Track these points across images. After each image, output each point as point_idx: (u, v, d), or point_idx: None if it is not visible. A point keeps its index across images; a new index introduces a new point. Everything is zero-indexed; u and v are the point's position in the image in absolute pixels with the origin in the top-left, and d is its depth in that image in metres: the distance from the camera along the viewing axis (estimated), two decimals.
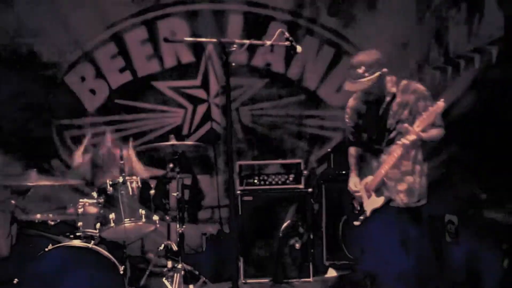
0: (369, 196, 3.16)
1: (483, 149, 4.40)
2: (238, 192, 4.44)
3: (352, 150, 3.36)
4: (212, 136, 5.27)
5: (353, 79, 3.07)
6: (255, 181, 4.50)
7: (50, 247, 3.41)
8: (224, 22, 5.23)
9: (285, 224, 4.37)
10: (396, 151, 3.00)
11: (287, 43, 3.00)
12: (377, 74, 3.01)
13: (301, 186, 4.46)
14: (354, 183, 3.24)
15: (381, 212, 3.07)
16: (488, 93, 4.57)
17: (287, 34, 2.99)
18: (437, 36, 5.10)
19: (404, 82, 3.14)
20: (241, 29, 5.24)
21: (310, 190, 4.44)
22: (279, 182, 4.49)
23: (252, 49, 5.16)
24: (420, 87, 3.12)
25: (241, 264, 4.35)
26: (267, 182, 4.49)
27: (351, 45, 5.29)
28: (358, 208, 3.22)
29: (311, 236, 4.40)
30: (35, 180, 3.63)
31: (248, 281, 4.34)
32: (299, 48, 3.03)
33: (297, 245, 4.35)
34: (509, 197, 4.11)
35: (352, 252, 3.33)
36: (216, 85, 5.31)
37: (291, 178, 4.49)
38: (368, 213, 3.14)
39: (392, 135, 3.10)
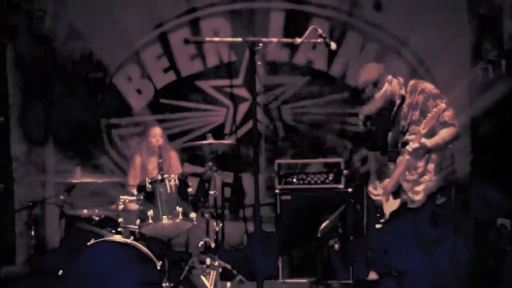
0: (387, 199, 3.14)
1: None
2: (277, 191, 4.42)
3: (371, 154, 3.37)
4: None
5: (367, 101, 3.09)
6: (294, 180, 4.46)
7: (92, 241, 3.55)
8: (265, 20, 5.23)
9: (324, 224, 4.30)
10: (406, 154, 3.00)
11: (320, 40, 2.93)
12: (385, 87, 3.03)
13: (341, 186, 4.38)
14: (374, 186, 3.26)
15: (399, 215, 3.07)
16: None
17: (320, 31, 2.92)
18: (490, 27, 4.80)
19: (412, 82, 3.12)
20: (282, 27, 5.21)
21: (350, 190, 4.34)
22: (318, 181, 4.42)
23: (293, 47, 5.12)
24: (427, 86, 3.09)
25: (279, 264, 4.33)
26: (306, 181, 4.44)
27: (396, 40, 5.11)
28: (380, 210, 3.20)
29: (351, 238, 4.30)
30: (79, 177, 3.80)
31: (287, 281, 4.31)
32: (333, 45, 2.98)
33: (336, 246, 4.27)
34: None
35: (375, 252, 3.33)
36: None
37: (330, 178, 4.41)
38: (387, 215, 3.13)
39: (406, 136, 3.08)
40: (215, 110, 5.40)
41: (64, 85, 5.37)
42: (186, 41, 2.60)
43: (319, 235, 4.28)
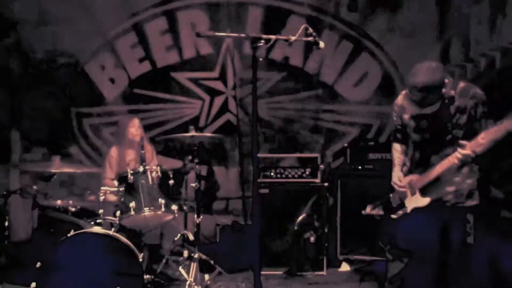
0: (413, 194, 3.11)
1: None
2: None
3: (398, 147, 3.27)
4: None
5: (417, 102, 2.91)
6: (272, 174, 4.53)
7: (72, 232, 3.47)
8: (244, 14, 5.26)
9: (300, 218, 4.41)
10: (453, 158, 2.90)
11: (310, 38, 2.98)
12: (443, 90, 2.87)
13: (318, 180, 4.49)
14: (399, 177, 3.17)
15: (424, 208, 3.03)
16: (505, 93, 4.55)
17: (310, 30, 2.97)
18: (458, 33, 5.07)
19: (462, 84, 2.97)
20: (260, 22, 5.26)
21: (326, 184, 4.47)
22: (296, 175, 4.52)
23: (267, 43, 5.16)
24: (479, 92, 2.94)
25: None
26: (283, 175, 4.53)
27: (370, 40, 5.29)
28: (398, 202, 3.18)
29: (326, 230, 4.44)
30: (58, 166, 3.69)
31: (263, 272, 4.37)
32: (322, 44, 2.99)
33: (312, 239, 4.39)
34: None
35: (384, 242, 3.33)
36: (234, 77, 5.34)
37: (307, 172, 4.52)
38: (408, 209, 3.10)
39: (447, 138, 3.00)
40: (190, 102, 5.38)
41: (32, 72, 5.18)
42: (198, 35, 2.56)
43: (295, 227, 4.39)
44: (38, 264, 3.40)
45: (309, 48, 5.25)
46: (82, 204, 3.88)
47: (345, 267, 4.54)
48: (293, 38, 2.89)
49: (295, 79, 5.35)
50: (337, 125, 5.38)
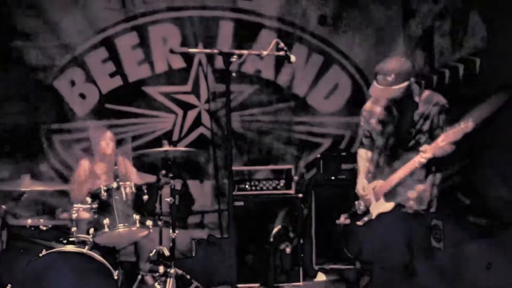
0: (377, 199, 3.17)
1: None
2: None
3: (364, 153, 3.34)
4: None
5: (382, 85, 2.98)
6: (247, 186, 4.55)
7: (44, 252, 3.39)
8: (215, 28, 5.30)
9: (275, 229, 4.43)
10: (415, 161, 2.99)
11: (281, 53, 3.04)
12: (406, 83, 2.97)
13: (292, 192, 4.53)
14: (363, 186, 3.23)
15: (387, 215, 3.10)
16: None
17: (282, 44, 3.03)
18: (423, 46, 5.25)
19: (426, 92, 3.09)
20: (231, 36, 5.31)
21: (300, 195, 4.52)
22: (270, 187, 4.55)
23: (241, 56, 5.22)
24: (442, 99, 3.06)
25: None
26: (258, 188, 4.55)
27: (340, 53, 5.41)
28: (363, 209, 3.24)
29: (301, 241, 4.47)
30: (29, 185, 3.61)
31: (239, 286, 4.37)
32: (293, 58, 3.06)
33: (288, 250, 4.41)
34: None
35: (350, 251, 3.39)
36: (206, 91, 5.35)
37: (282, 184, 4.55)
38: (373, 215, 3.16)
39: (410, 144, 3.08)
40: (163, 116, 5.36)
41: None
42: (172, 51, 2.58)
43: (271, 239, 4.40)
44: (9, 286, 3.31)
45: (280, 61, 5.32)
46: (54, 222, 3.80)
47: (321, 277, 4.58)
48: (265, 52, 2.95)
49: (267, 92, 5.41)
50: (309, 137, 5.45)
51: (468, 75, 4.61)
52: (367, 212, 3.23)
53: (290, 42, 5.31)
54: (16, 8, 5.03)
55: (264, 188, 4.56)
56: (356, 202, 3.32)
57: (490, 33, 4.40)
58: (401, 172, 3.06)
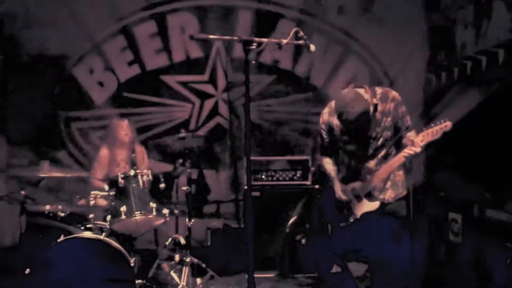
0: (359, 201, 3.19)
1: (486, 151, 4.45)
2: (246, 187, 4.48)
3: (328, 160, 3.37)
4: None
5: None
6: (263, 176, 4.54)
7: (62, 238, 3.43)
8: (233, 18, 5.26)
9: (291, 220, 4.42)
10: (399, 158, 3.04)
11: (301, 42, 2.99)
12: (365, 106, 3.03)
13: (308, 183, 4.51)
14: (343, 191, 3.25)
15: (373, 215, 3.14)
16: (493, 94, 4.62)
17: (301, 33, 2.98)
18: (445, 38, 5.14)
19: (379, 90, 3.18)
20: (250, 26, 5.27)
21: (317, 186, 4.49)
22: (287, 178, 4.54)
23: (259, 46, 5.17)
24: (396, 94, 3.18)
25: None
26: (274, 178, 4.54)
27: (359, 44, 5.33)
28: (345, 211, 3.24)
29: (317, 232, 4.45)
30: (48, 171, 3.65)
31: (255, 275, 4.36)
32: (312, 47, 3.01)
33: (303, 241, 4.40)
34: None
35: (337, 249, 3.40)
36: (224, 80, 5.33)
37: (298, 175, 4.53)
38: (358, 215, 3.17)
39: (379, 142, 3.16)
40: (180, 105, 5.36)
41: (19, 75, 5.12)
42: (191, 37, 2.55)
43: (287, 230, 4.40)
44: (27, 271, 3.35)
45: (298, 51, 5.28)
46: (72, 209, 3.83)
47: (336, 268, 4.55)
48: (284, 41, 2.90)
49: (285, 82, 5.37)
50: None
51: (491, 66, 4.51)
52: (350, 213, 3.20)
53: (309, 32, 5.25)
54: None
55: (281, 178, 4.54)
56: (339, 205, 3.29)
57: None
58: (388, 169, 3.11)
